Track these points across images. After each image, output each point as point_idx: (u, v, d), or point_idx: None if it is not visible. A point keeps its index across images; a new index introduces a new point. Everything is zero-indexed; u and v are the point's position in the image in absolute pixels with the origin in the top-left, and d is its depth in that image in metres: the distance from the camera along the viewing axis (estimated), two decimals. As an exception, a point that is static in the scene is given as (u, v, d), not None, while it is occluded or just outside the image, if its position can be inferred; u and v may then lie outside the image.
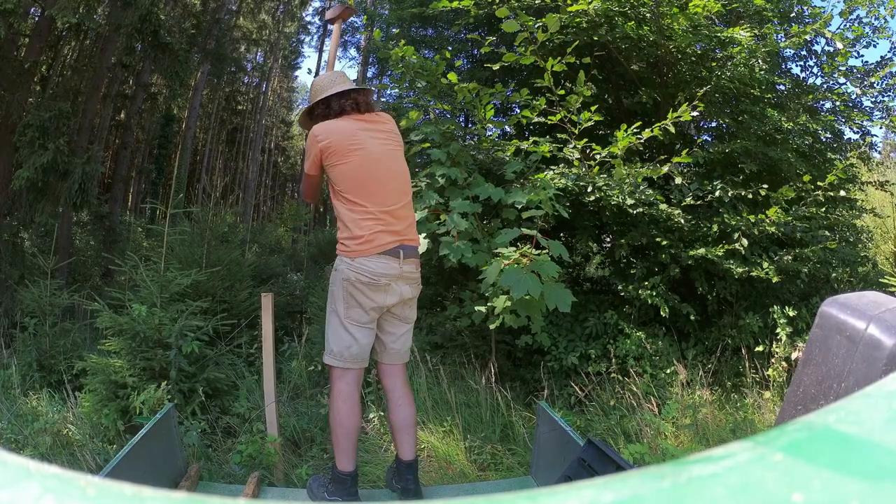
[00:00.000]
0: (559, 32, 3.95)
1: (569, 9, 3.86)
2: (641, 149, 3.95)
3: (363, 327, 2.07)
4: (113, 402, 3.11)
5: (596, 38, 4.12)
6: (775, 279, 3.60)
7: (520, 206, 3.31)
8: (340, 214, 2.07)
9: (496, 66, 3.84)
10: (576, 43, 3.71)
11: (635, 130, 3.50)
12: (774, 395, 3.57)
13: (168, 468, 2.28)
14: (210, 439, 3.14)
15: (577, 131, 3.67)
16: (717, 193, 3.87)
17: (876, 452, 0.25)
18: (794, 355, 3.64)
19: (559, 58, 3.47)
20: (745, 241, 3.67)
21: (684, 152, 3.62)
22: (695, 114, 3.50)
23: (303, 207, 14.63)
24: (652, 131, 3.49)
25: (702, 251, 3.67)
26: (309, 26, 22.04)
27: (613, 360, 3.78)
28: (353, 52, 20.18)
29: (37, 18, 8.51)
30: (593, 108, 3.57)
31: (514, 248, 3.03)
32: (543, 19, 3.33)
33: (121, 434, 2.95)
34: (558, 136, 3.87)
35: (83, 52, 10.94)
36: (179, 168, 13.43)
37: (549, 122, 3.76)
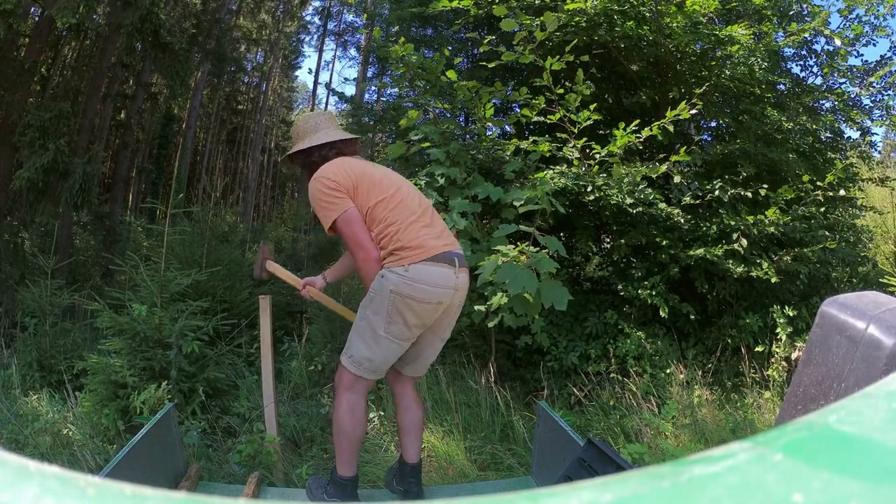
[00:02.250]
0: (558, 31, 3.94)
1: (566, 7, 3.85)
2: (640, 148, 3.95)
3: (400, 343, 1.92)
4: (113, 401, 3.11)
5: (595, 38, 4.12)
6: (774, 279, 3.60)
7: (518, 204, 3.31)
8: (377, 237, 1.90)
9: (492, 65, 3.83)
10: (574, 42, 3.71)
11: (634, 129, 3.49)
12: (774, 395, 3.57)
13: (168, 468, 2.28)
14: (210, 439, 3.14)
15: (576, 130, 3.67)
16: (716, 193, 3.87)
17: (876, 452, 0.24)
18: (794, 355, 3.64)
19: (557, 56, 3.46)
20: (744, 242, 3.67)
21: (682, 150, 3.60)
22: (693, 112, 3.49)
23: (303, 207, 14.63)
24: (651, 130, 3.48)
25: (701, 251, 3.67)
26: (309, 26, 22.05)
27: (613, 359, 3.78)
28: (353, 51, 20.21)
29: (37, 18, 8.51)
30: (592, 107, 3.56)
31: (514, 246, 3.02)
32: (541, 18, 3.32)
33: (121, 434, 2.95)
34: (557, 135, 3.86)
35: (83, 51, 10.94)
36: (179, 168, 13.43)
37: (549, 122, 3.76)
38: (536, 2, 4.22)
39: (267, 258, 2.40)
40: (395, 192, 1.94)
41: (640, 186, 3.70)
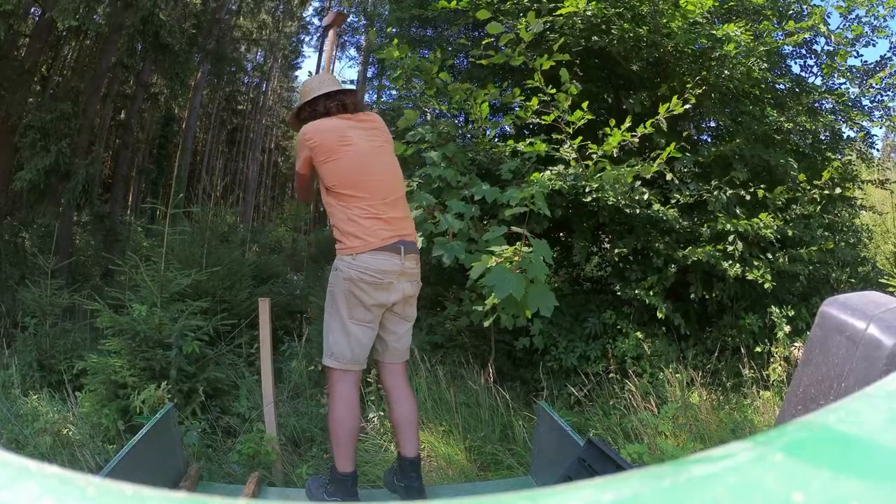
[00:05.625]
0: (553, 32, 3.94)
1: (560, 11, 3.84)
2: (636, 148, 3.92)
3: (366, 326, 2.05)
4: (113, 402, 3.11)
5: (591, 43, 4.10)
6: (768, 285, 3.57)
7: (514, 205, 3.31)
8: (335, 213, 2.06)
9: (485, 62, 3.84)
10: (562, 40, 3.70)
11: (628, 126, 3.48)
12: (774, 395, 3.57)
13: (168, 468, 2.28)
14: (210, 439, 3.14)
15: (571, 131, 3.65)
16: (714, 192, 3.86)
17: (876, 452, 0.25)
18: (793, 355, 3.64)
19: (545, 55, 3.46)
20: (739, 245, 3.66)
21: (672, 145, 3.56)
22: (686, 106, 3.48)
23: (303, 207, 14.61)
24: (645, 127, 3.48)
25: (698, 251, 3.66)
26: (309, 26, 22.05)
27: (612, 360, 3.78)
28: (352, 51, 20.20)
29: (37, 18, 8.51)
30: (584, 105, 3.53)
31: (508, 247, 3.01)
32: (525, 19, 3.34)
33: (121, 434, 2.95)
34: (554, 136, 3.85)
35: (83, 52, 10.93)
36: (179, 168, 13.42)
37: (543, 123, 3.75)
38: (534, 6, 4.21)
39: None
40: (359, 173, 2.05)
41: (637, 185, 3.69)
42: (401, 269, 2.02)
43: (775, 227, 3.66)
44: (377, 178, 2.08)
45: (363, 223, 2.00)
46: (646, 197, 3.67)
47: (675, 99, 3.38)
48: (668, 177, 3.81)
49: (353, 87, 2.31)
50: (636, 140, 3.57)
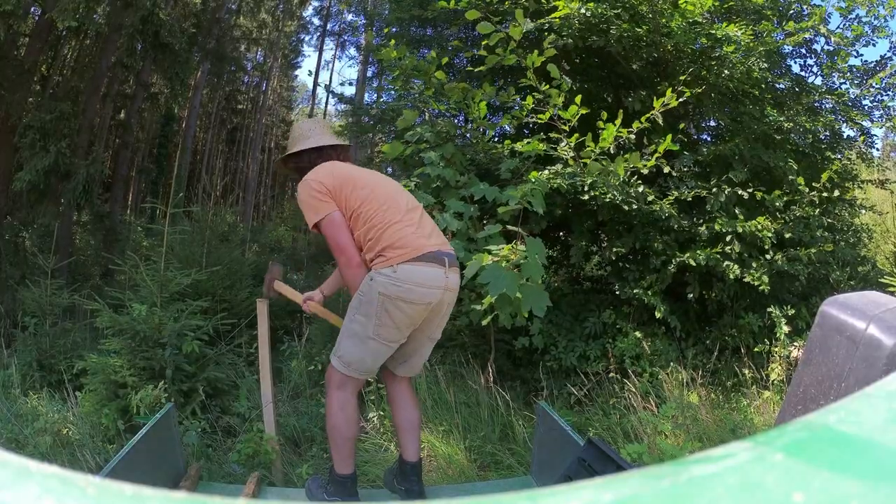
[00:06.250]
0: (552, 32, 3.94)
1: (553, 15, 3.84)
2: (635, 145, 3.91)
3: (389, 345, 1.93)
4: (113, 401, 3.11)
5: (590, 43, 4.10)
6: (764, 287, 3.57)
7: (514, 204, 3.30)
8: (363, 238, 1.91)
9: (480, 69, 3.84)
10: (551, 37, 3.69)
11: (623, 122, 3.47)
12: (774, 395, 3.57)
13: (168, 468, 2.29)
14: (210, 439, 3.14)
15: (567, 128, 3.65)
16: (713, 190, 3.86)
17: (876, 452, 0.25)
18: (793, 355, 3.64)
19: (535, 51, 3.45)
20: (737, 246, 3.66)
21: (668, 137, 3.54)
22: (682, 100, 3.48)
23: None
24: (641, 122, 3.47)
25: (698, 253, 3.65)
26: (308, 25, 22.06)
27: (612, 359, 3.78)
28: (352, 51, 20.21)
29: (37, 18, 8.50)
30: (578, 101, 3.52)
31: (506, 245, 3.01)
32: (514, 22, 3.34)
33: (121, 434, 2.95)
34: (551, 135, 3.85)
35: (83, 51, 10.93)
36: (179, 168, 13.41)
37: (540, 122, 3.74)
38: (530, 6, 4.20)
39: (275, 278, 2.47)
40: (380, 194, 1.96)
41: (633, 179, 3.68)
42: (445, 284, 1.89)
43: (773, 231, 3.66)
44: (391, 190, 2.04)
45: (398, 232, 1.87)
46: (641, 189, 3.66)
47: (669, 92, 3.38)
48: (666, 170, 3.79)
49: (346, 143, 2.20)
50: (632, 136, 3.56)
